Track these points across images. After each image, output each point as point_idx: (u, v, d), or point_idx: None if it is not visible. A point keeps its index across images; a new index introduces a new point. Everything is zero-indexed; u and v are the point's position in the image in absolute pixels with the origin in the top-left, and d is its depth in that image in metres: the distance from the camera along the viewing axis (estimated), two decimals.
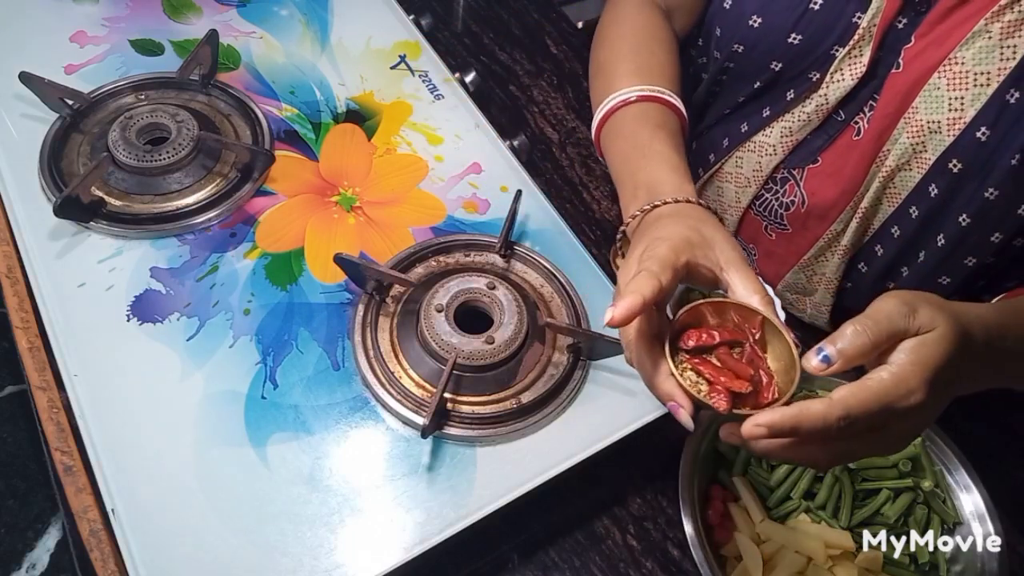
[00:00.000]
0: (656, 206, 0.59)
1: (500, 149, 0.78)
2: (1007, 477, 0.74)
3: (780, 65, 0.70)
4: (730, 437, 0.46)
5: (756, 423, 0.44)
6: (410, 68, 0.84)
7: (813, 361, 0.45)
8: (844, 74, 0.67)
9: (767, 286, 0.53)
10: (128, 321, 0.62)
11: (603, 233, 0.88)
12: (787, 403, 0.45)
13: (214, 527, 0.54)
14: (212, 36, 0.78)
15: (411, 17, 0.89)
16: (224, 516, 0.54)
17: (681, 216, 0.57)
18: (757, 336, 0.49)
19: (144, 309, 0.63)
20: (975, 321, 0.48)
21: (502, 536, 0.65)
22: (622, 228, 0.63)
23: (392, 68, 0.83)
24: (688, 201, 0.59)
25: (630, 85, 0.70)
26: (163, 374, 0.60)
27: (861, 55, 0.65)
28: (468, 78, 0.84)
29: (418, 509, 0.56)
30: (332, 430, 0.59)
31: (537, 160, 0.93)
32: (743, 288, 0.51)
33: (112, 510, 0.54)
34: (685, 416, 0.47)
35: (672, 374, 0.47)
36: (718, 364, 0.48)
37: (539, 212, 0.74)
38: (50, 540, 0.64)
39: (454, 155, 0.77)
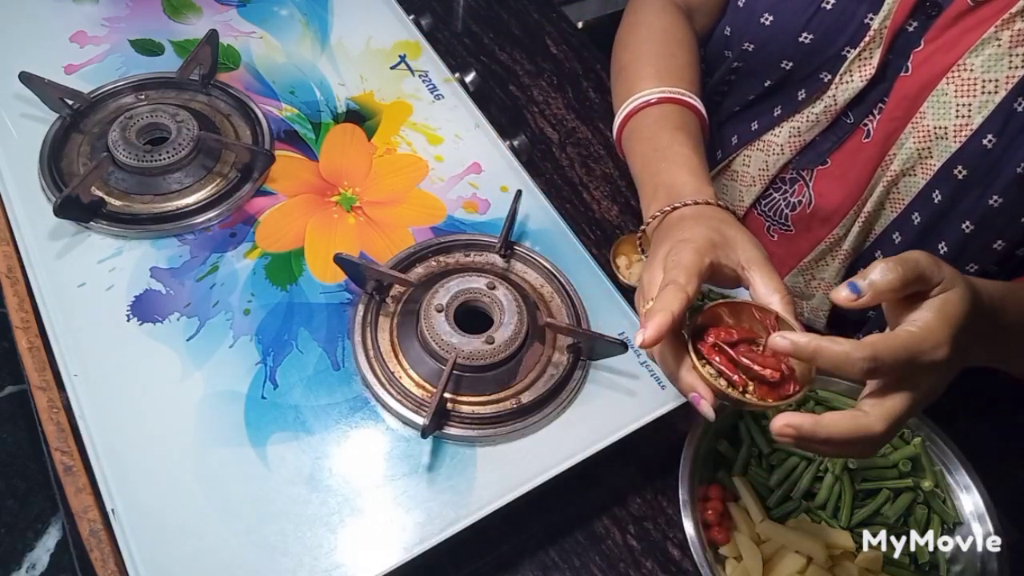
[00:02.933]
0: (677, 207, 0.60)
1: (500, 149, 0.78)
2: (1007, 477, 0.75)
3: (791, 64, 0.70)
4: (784, 429, 0.46)
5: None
6: (410, 68, 0.84)
7: (842, 292, 0.45)
8: (853, 76, 0.67)
9: None
10: (128, 321, 0.62)
11: (603, 233, 0.88)
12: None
13: (214, 527, 0.54)
14: (212, 36, 0.78)
15: (411, 17, 0.89)
16: (224, 516, 0.54)
17: (703, 218, 0.58)
18: (771, 323, 0.50)
19: (144, 309, 0.63)
20: (982, 290, 0.49)
21: (502, 536, 0.65)
22: (642, 227, 0.64)
23: (392, 68, 0.83)
24: (708, 203, 0.60)
25: (651, 87, 0.70)
26: (163, 374, 0.60)
27: (871, 57, 0.65)
28: (468, 78, 0.84)
29: (418, 509, 0.56)
30: (332, 430, 0.59)
31: (537, 160, 0.93)
32: (764, 287, 0.52)
33: (112, 510, 0.54)
34: (707, 407, 0.49)
35: (695, 367, 0.49)
36: (742, 358, 0.49)
37: (539, 212, 0.74)
38: (50, 540, 0.64)
39: (454, 155, 0.77)
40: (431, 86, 0.82)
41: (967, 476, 0.68)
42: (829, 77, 0.68)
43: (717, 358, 0.49)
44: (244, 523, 0.54)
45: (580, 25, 1.84)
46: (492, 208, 0.73)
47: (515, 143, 0.81)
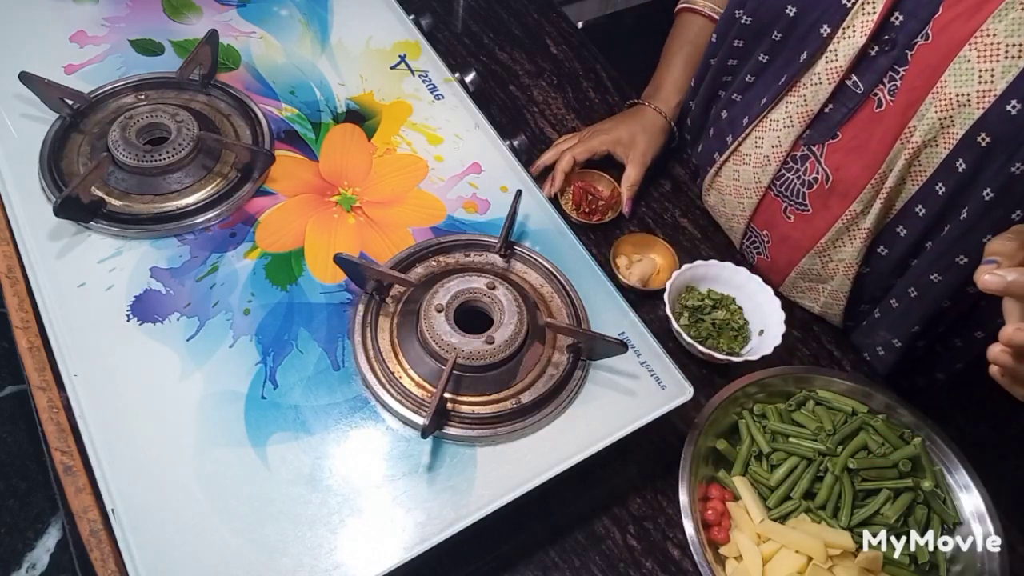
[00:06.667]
0: (638, 103, 0.94)
1: (500, 149, 0.78)
2: (1007, 477, 0.75)
3: (795, 10, 0.70)
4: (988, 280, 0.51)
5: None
6: (410, 68, 0.84)
7: (983, 274, 0.51)
8: (856, 31, 0.66)
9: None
10: (128, 321, 0.62)
11: (603, 233, 0.88)
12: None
13: (214, 527, 0.54)
14: (212, 36, 0.78)
15: (411, 17, 0.89)
16: (224, 516, 0.54)
17: (637, 118, 0.92)
18: (613, 194, 0.89)
19: (144, 309, 0.63)
20: None
21: (502, 536, 0.65)
22: (628, 103, 0.96)
23: (392, 68, 0.83)
24: (656, 109, 0.92)
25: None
26: (163, 374, 0.60)
27: (874, 12, 0.65)
28: (468, 78, 0.84)
29: (418, 509, 0.56)
30: (332, 430, 0.59)
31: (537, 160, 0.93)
32: (625, 175, 0.88)
33: (112, 510, 0.54)
34: (548, 187, 0.87)
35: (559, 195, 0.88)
36: (586, 197, 0.89)
37: (539, 212, 0.74)
38: (50, 540, 0.64)
39: (454, 155, 0.77)
40: (431, 86, 0.82)
41: (967, 476, 0.68)
42: (828, 30, 0.68)
43: (571, 190, 0.89)
44: (244, 523, 0.54)
45: (580, 25, 1.84)
46: (492, 208, 0.73)
47: (515, 143, 0.81)
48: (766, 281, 0.80)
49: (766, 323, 0.78)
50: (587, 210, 0.88)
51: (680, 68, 0.93)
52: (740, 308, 0.80)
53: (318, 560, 0.54)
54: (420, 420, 0.58)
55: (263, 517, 0.55)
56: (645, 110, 0.92)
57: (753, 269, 0.88)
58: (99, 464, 0.55)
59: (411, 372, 0.62)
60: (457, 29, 1.06)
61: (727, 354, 0.75)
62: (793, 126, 0.75)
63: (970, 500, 0.68)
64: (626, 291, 0.73)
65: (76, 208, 0.65)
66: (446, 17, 1.07)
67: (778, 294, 0.81)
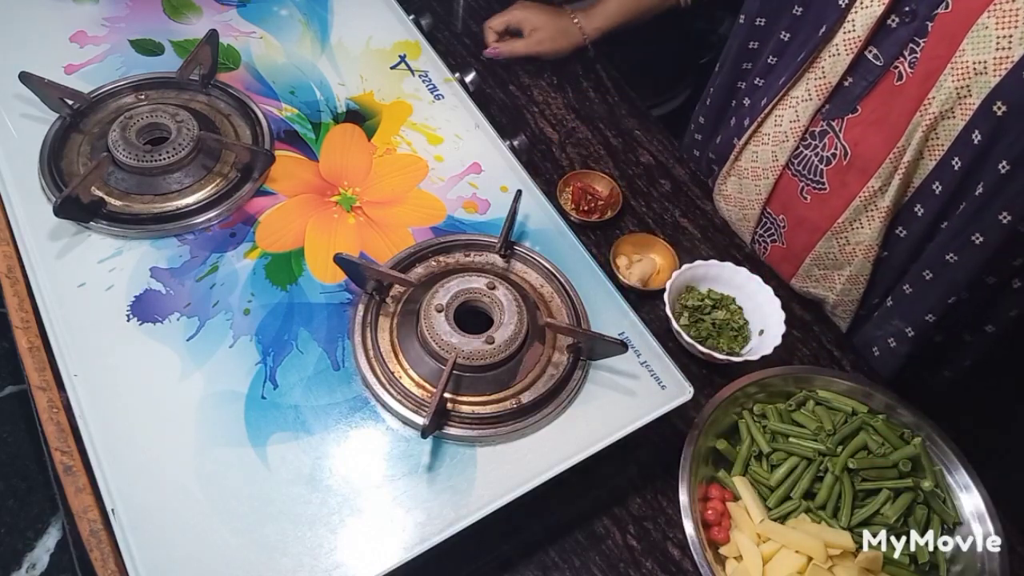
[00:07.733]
0: (569, 14, 1.00)
1: (500, 149, 0.78)
2: (1007, 477, 0.75)
3: None
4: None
5: None
6: (410, 68, 0.84)
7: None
8: (873, 0, 0.67)
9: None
10: (128, 321, 0.62)
11: (603, 233, 0.88)
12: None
13: (214, 527, 0.54)
14: (212, 36, 0.78)
15: (411, 17, 0.89)
16: (224, 516, 0.54)
17: (560, 25, 0.99)
18: (612, 193, 0.90)
19: (144, 309, 0.63)
20: None
21: (502, 536, 0.65)
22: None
23: (392, 68, 0.83)
24: (582, 32, 1.00)
25: None
26: (163, 374, 0.60)
27: None
28: (468, 78, 0.84)
29: (418, 509, 0.56)
30: (332, 430, 0.59)
31: (537, 160, 0.93)
32: (513, 41, 1.01)
33: (112, 510, 0.54)
34: (491, 51, 1.01)
35: (562, 199, 0.91)
36: (585, 196, 0.90)
37: (539, 212, 0.74)
38: (50, 540, 0.64)
39: (454, 155, 0.77)
40: (431, 86, 0.82)
41: (967, 476, 0.68)
42: (846, 1, 0.68)
43: (570, 189, 0.90)
44: (244, 523, 0.54)
45: None
46: (492, 208, 0.73)
47: (515, 143, 0.81)
48: (779, 271, 0.79)
49: (766, 323, 0.78)
50: (586, 208, 0.88)
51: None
52: (740, 308, 0.80)
53: (318, 560, 0.54)
54: (420, 420, 0.58)
55: (263, 517, 0.55)
56: (571, 25, 1.00)
57: (766, 259, 0.88)
58: (99, 464, 0.55)
59: (411, 372, 0.62)
60: (457, 29, 1.06)
61: (727, 354, 0.75)
62: (812, 99, 0.75)
63: (970, 500, 0.68)
64: (626, 291, 0.73)
65: (76, 208, 0.65)
66: (446, 17, 1.07)
67: (788, 288, 0.81)
